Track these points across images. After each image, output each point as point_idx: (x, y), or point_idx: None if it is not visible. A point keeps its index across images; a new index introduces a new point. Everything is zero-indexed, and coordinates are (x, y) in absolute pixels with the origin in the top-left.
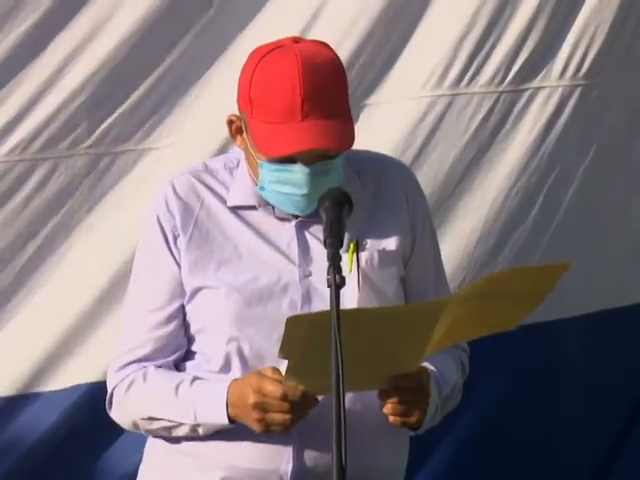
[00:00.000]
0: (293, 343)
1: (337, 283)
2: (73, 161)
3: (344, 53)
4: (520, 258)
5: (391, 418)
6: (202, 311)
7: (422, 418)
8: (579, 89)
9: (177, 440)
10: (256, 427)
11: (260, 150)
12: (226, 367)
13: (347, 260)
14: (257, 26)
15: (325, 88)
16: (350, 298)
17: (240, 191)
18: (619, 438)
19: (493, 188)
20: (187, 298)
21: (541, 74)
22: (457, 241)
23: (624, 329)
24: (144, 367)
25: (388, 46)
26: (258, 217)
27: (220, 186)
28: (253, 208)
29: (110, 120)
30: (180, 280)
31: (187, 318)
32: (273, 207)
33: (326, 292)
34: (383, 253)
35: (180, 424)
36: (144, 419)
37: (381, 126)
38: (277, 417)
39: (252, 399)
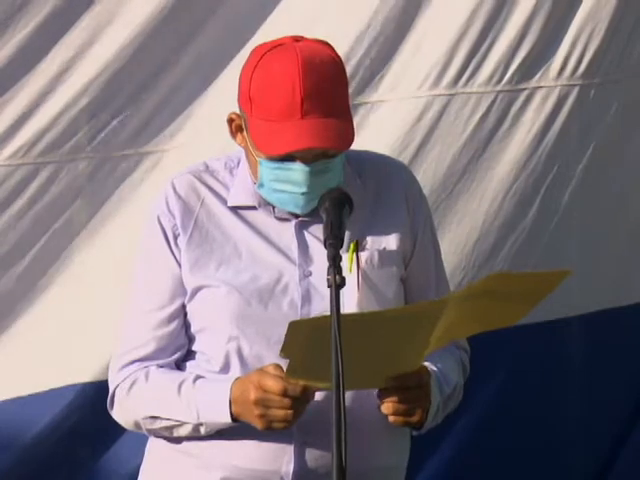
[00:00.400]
0: (294, 345)
1: (337, 283)
2: (75, 165)
3: (342, 53)
4: (519, 258)
5: (392, 418)
6: (202, 310)
7: (424, 417)
8: (576, 89)
9: (178, 440)
10: (258, 424)
11: (259, 148)
12: (226, 367)
13: (347, 260)
14: (258, 29)
15: (325, 87)
16: (350, 298)
17: (240, 191)
18: (619, 439)
19: (491, 188)
20: (187, 297)
21: (539, 74)
22: (455, 241)
23: (624, 329)
24: (146, 367)
25: (386, 46)
26: (258, 217)
27: (220, 186)
28: (253, 208)
29: (112, 124)
30: (181, 279)
31: (188, 317)
32: (273, 207)
33: (326, 292)
34: (383, 253)
35: (182, 423)
36: (146, 418)
37: (379, 126)
38: (279, 413)
39: (253, 395)
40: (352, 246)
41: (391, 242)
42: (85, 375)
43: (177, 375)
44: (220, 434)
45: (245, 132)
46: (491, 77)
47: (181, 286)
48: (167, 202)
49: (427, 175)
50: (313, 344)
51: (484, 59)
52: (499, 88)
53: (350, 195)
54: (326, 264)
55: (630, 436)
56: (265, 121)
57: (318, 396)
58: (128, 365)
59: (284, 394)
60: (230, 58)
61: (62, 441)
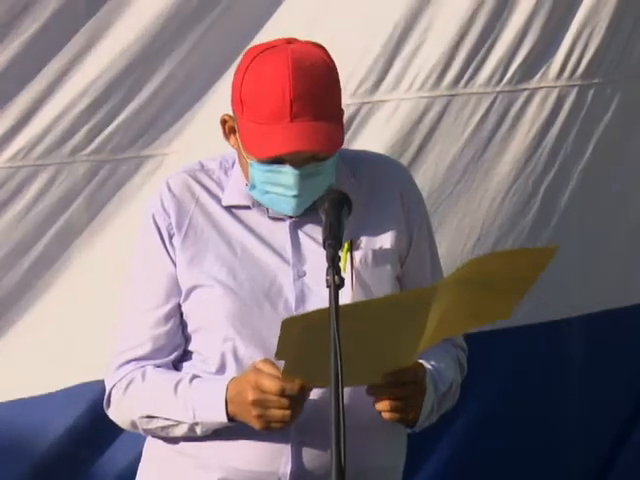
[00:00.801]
0: (289, 344)
1: (336, 284)
2: (75, 167)
3: (342, 53)
4: None
5: (387, 414)
6: (198, 310)
7: (418, 415)
8: (576, 89)
9: (175, 440)
10: (256, 424)
11: (249, 151)
12: (222, 367)
13: (341, 259)
14: (260, 33)
15: (315, 90)
16: (344, 297)
17: (235, 191)
18: (619, 439)
19: (491, 188)
20: (183, 297)
21: (538, 74)
22: (456, 241)
23: (624, 329)
24: (142, 366)
25: (386, 46)
26: (252, 217)
27: (215, 185)
28: (247, 208)
29: (112, 127)
30: (176, 279)
31: (184, 317)
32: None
33: (321, 292)
34: (377, 252)
35: (178, 423)
36: (142, 418)
37: (379, 126)
38: (277, 413)
39: (251, 396)
40: (346, 246)
41: (386, 241)
42: (85, 375)
43: (174, 375)
44: (217, 435)
45: (237, 134)
46: (491, 78)
47: (176, 285)
48: (162, 201)
49: (427, 175)
50: (308, 341)
51: (484, 60)
52: (499, 89)
53: (349, 196)
54: (320, 264)
55: (630, 436)
56: (255, 123)
57: (314, 395)
58: (125, 365)
59: (282, 394)
60: (231, 62)
61: (61, 442)
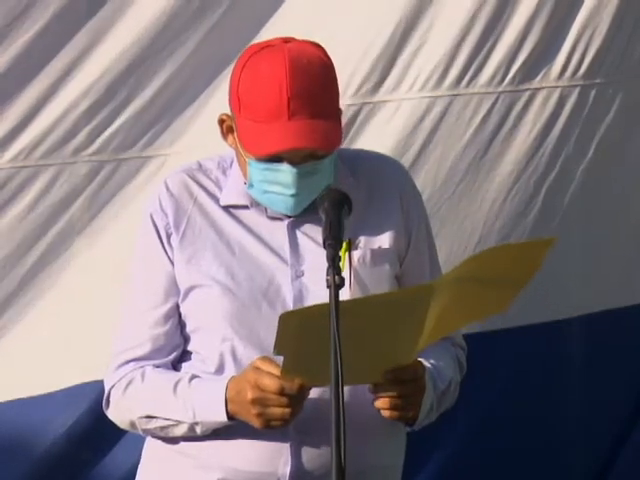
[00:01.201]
0: (287, 339)
1: (337, 284)
2: (76, 168)
3: (343, 53)
4: None
5: (387, 412)
6: (196, 310)
7: (418, 413)
8: (578, 89)
9: (175, 440)
10: (256, 423)
11: (247, 149)
12: (220, 367)
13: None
14: (261, 34)
15: (312, 88)
16: (342, 297)
17: (233, 190)
18: (619, 439)
19: (493, 189)
20: (181, 297)
21: (540, 75)
22: (457, 242)
23: (625, 330)
24: (142, 366)
25: (387, 47)
26: (251, 216)
27: (213, 185)
28: (245, 207)
29: (113, 127)
30: (174, 278)
31: (182, 317)
32: (265, 206)
33: (319, 292)
34: (376, 252)
35: (178, 423)
36: (142, 418)
37: (381, 126)
38: (276, 411)
39: (250, 395)
40: (345, 245)
41: (384, 241)
42: (85, 375)
43: (173, 375)
44: (216, 434)
45: (235, 133)
46: (493, 78)
47: (175, 285)
48: (160, 201)
49: (429, 176)
50: (307, 337)
51: (486, 60)
52: (501, 89)
53: (349, 195)
54: (318, 263)
55: (630, 436)
56: (253, 122)
57: (313, 394)
58: (124, 365)
59: (281, 393)
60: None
61: (61, 442)
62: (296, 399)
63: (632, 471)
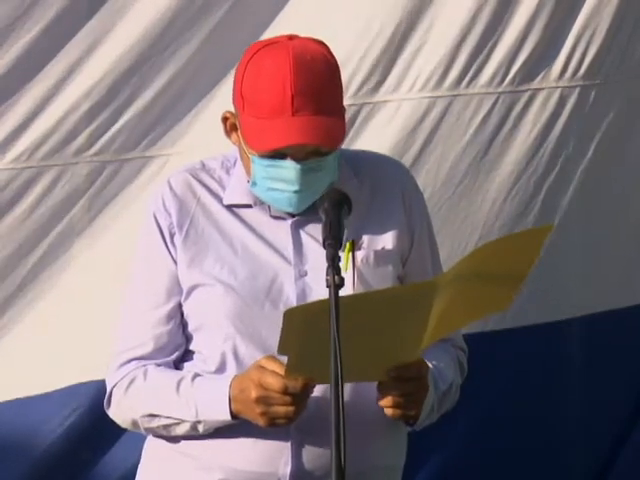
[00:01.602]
0: (291, 337)
1: (336, 283)
2: (78, 168)
3: (344, 53)
4: None
5: (390, 411)
6: (198, 309)
7: (420, 412)
8: (578, 90)
9: (176, 440)
10: (260, 421)
11: (250, 145)
12: (222, 366)
13: (343, 259)
14: (263, 34)
15: (316, 84)
16: None
17: (236, 190)
18: (619, 439)
19: (493, 189)
20: (184, 296)
21: (540, 75)
22: (458, 242)
23: (625, 330)
24: (144, 365)
25: (388, 47)
26: (254, 216)
27: (216, 184)
28: (249, 207)
29: (115, 128)
30: (177, 278)
31: (184, 316)
32: (269, 206)
33: (322, 292)
34: (379, 252)
35: (181, 421)
36: (144, 417)
37: (381, 126)
38: (280, 410)
39: (254, 393)
40: (348, 246)
41: (387, 241)
42: (85, 375)
43: (175, 373)
44: (217, 435)
45: (239, 130)
46: (493, 78)
47: (177, 284)
48: (163, 200)
49: (429, 176)
50: (310, 334)
51: (486, 60)
52: (501, 89)
53: (349, 195)
54: (322, 263)
55: (630, 436)
56: (256, 118)
57: (314, 393)
58: (126, 364)
59: (285, 391)
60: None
61: (63, 442)
62: (300, 397)
63: (632, 471)
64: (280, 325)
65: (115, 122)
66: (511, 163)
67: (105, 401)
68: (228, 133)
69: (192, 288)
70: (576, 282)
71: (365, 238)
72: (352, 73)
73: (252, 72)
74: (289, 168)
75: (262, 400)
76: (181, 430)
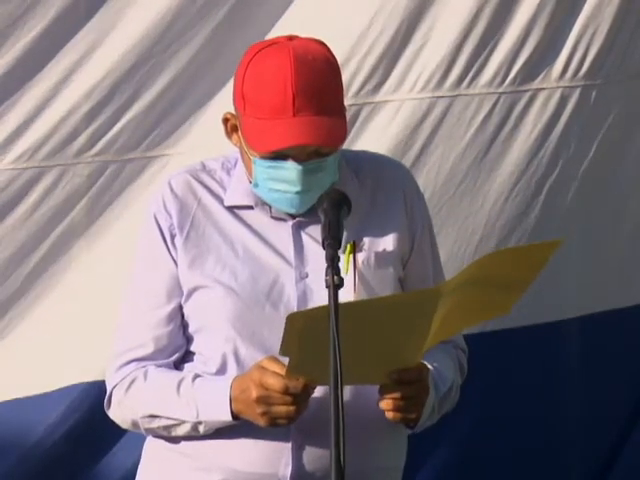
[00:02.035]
0: (293, 340)
1: (335, 284)
2: (80, 168)
3: (345, 53)
4: None
5: (391, 414)
6: (199, 311)
7: (421, 414)
8: (579, 90)
9: (176, 440)
10: (261, 421)
11: (251, 146)
12: (222, 368)
13: (344, 261)
14: (265, 34)
15: (317, 85)
16: (346, 299)
17: (237, 191)
18: (619, 439)
19: (494, 189)
20: (184, 297)
21: (541, 75)
22: (458, 242)
23: (625, 330)
24: (144, 366)
25: (389, 47)
26: (255, 217)
27: (217, 185)
28: (250, 208)
29: (117, 128)
30: (178, 279)
31: (185, 318)
32: (270, 207)
33: (323, 293)
34: (380, 254)
35: (181, 422)
36: (144, 417)
37: (382, 127)
38: (281, 410)
39: (255, 393)
40: (349, 247)
41: (388, 243)
42: (87, 375)
43: (176, 374)
44: (218, 435)
45: (239, 131)
46: (494, 78)
47: (178, 286)
48: (164, 201)
49: (430, 176)
50: (312, 338)
51: (487, 61)
52: (502, 90)
53: (348, 196)
54: (323, 265)
55: (630, 436)
56: (257, 119)
57: (315, 394)
58: (126, 365)
59: (285, 392)
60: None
61: (62, 442)
62: (300, 398)
63: (632, 471)
64: (281, 326)
65: (116, 122)
66: (512, 163)
67: (105, 402)
68: (229, 134)
69: (193, 290)
70: (575, 282)
71: (366, 239)
72: (353, 73)
73: (253, 73)
74: (290, 169)
75: (263, 400)
76: (182, 431)
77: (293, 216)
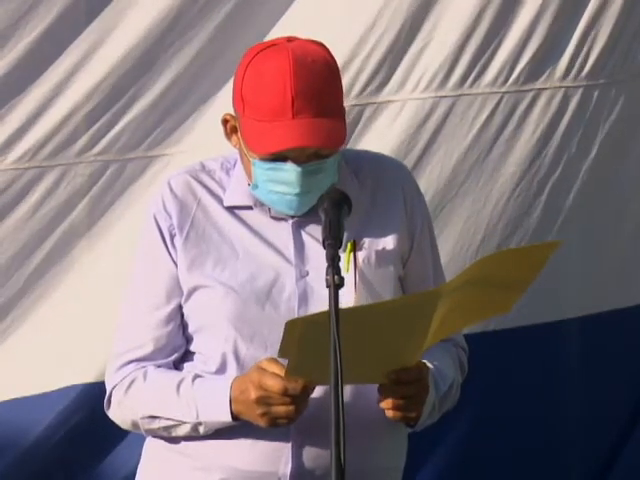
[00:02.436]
0: (292, 344)
1: (336, 283)
2: (81, 168)
3: (347, 53)
4: None
5: (391, 413)
6: (199, 311)
7: (421, 413)
8: (581, 90)
9: (176, 440)
10: (261, 422)
11: (251, 148)
12: (222, 367)
13: (344, 260)
14: (266, 34)
15: (316, 86)
16: (347, 298)
17: (236, 191)
18: (619, 439)
19: (496, 189)
20: (184, 297)
21: (544, 75)
22: (460, 242)
23: (626, 330)
24: (144, 367)
25: (391, 47)
26: (254, 217)
27: (217, 186)
28: (249, 208)
29: (118, 127)
30: (177, 279)
31: (185, 318)
32: (269, 207)
33: (323, 292)
34: (380, 253)
35: (181, 423)
36: (144, 418)
37: (384, 127)
38: (281, 410)
39: (254, 394)
40: (349, 246)
41: (389, 242)
42: (87, 376)
43: (175, 374)
44: (218, 435)
45: (239, 132)
46: (497, 78)
47: (178, 286)
48: (164, 202)
49: (432, 176)
50: (311, 342)
51: (490, 60)
52: (505, 89)
53: (349, 195)
54: (323, 263)
55: (631, 436)
56: (257, 121)
57: (315, 394)
58: (126, 365)
59: (284, 393)
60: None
61: (62, 442)
62: (300, 398)
63: (632, 471)
64: (281, 325)
65: (118, 122)
66: (514, 163)
67: (105, 402)
68: (228, 135)
69: (192, 290)
70: (576, 282)
71: (366, 239)
72: (356, 73)
73: (252, 75)
74: (290, 171)
75: (262, 401)
76: (182, 431)
77: (292, 215)
